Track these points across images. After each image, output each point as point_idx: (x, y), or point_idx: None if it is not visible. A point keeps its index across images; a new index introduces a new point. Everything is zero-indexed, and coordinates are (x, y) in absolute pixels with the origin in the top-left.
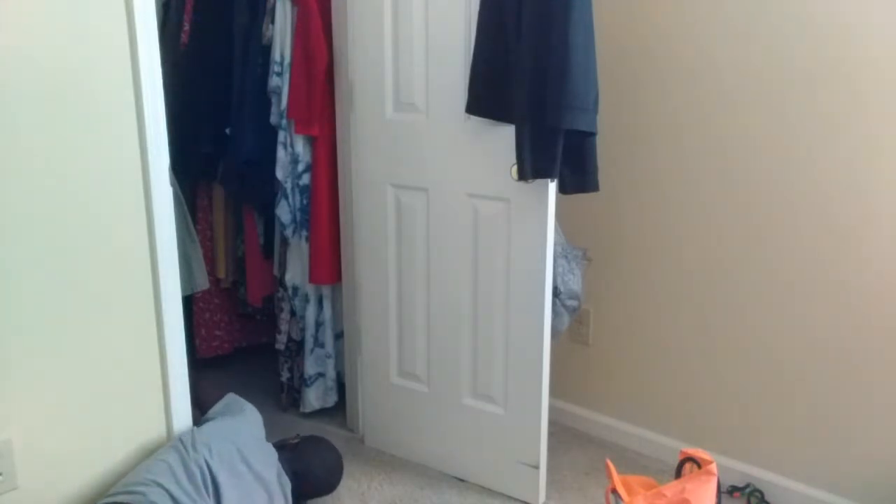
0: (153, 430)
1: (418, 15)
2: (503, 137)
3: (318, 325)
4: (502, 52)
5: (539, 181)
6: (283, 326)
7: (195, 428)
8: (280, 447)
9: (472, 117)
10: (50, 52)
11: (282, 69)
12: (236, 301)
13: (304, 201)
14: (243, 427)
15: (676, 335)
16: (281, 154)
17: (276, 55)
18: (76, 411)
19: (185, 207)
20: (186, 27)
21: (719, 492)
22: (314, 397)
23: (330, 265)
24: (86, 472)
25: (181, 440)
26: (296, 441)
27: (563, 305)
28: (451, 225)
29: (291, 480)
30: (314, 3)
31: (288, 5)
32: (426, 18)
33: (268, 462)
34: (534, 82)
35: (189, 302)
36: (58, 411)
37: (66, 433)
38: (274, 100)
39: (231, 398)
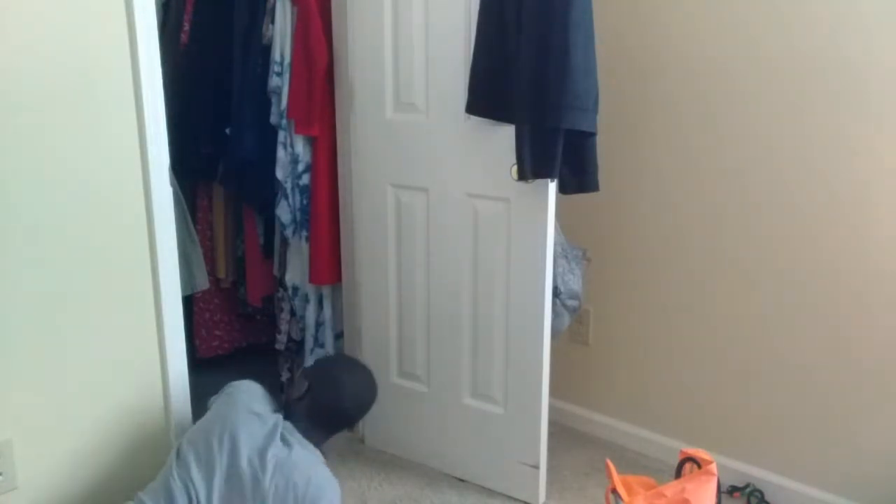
0: (153, 430)
1: (418, 15)
2: (503, 137)
3: (318, 325)
4: (502, 52)
5: (539, 181)
6: (283, 326)
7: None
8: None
9: (472, 117)
10: (50, 52)
11: (282, 69)
12: (236, 301)
13: (304, 201)
14: (231, 409)
15: (676, 335)
16: (281, 154)
17: (276, 55)
18: (76, 411)
19: (185, 207)
20: (186, 27)
21: (719, 492)
22: None
23: (330, 265)
24: (86, 472)
25: (177, 450)
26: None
27: (563, 305)
28: (451, 225)
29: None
30: (314, 3)
31: (288, 5)
32: (426, 18)
33: (261, 435)
34: (534, 82)
35: (189, 302)
36: (58, 412)
37: (66, 433)
38: (274, 100)
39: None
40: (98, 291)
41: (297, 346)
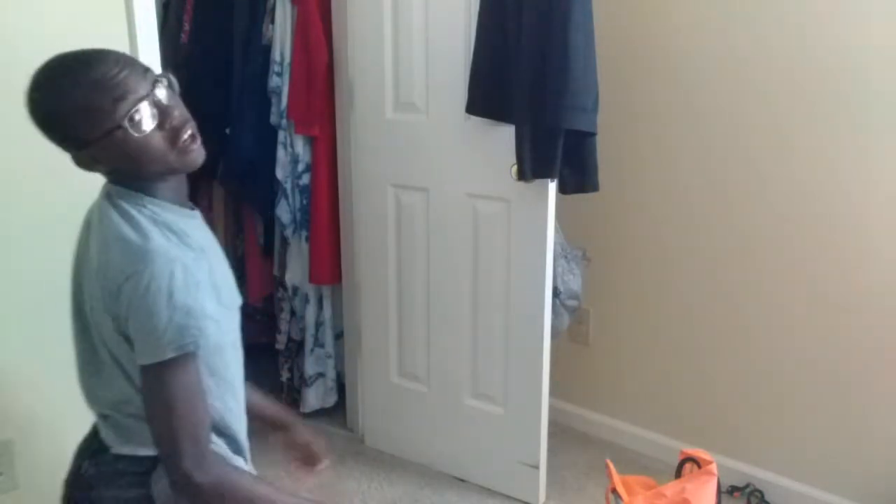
0: None
1: (418, 15)
2: (503, 137)
3: (318, 325)
4: (502, 52)
5: (539, 181)
6: (283, 326)
7: None
8: None
9: (472, 117)
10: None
11: (282, 69)
12: None
13: (304, 201)
14: None
15: (676, 335)
16: (281, 154)
17: (276, 55)
18: (76, 411)
19: None
20: (186, 27)
21: (719, 492)
22: (314, 397)
23: (330, 265)
24: None
25: None
26: None
27: (563, 305)
28: (451, 225)
29: None
30: (314, 3)
31: (288, 5)
32: (426, 18)
33: None
34: (534, 82)
35: None
36: (58, 411)
37: (66, 433)
38: (274, 100)
39: None
40: None
41: (297, 346)
